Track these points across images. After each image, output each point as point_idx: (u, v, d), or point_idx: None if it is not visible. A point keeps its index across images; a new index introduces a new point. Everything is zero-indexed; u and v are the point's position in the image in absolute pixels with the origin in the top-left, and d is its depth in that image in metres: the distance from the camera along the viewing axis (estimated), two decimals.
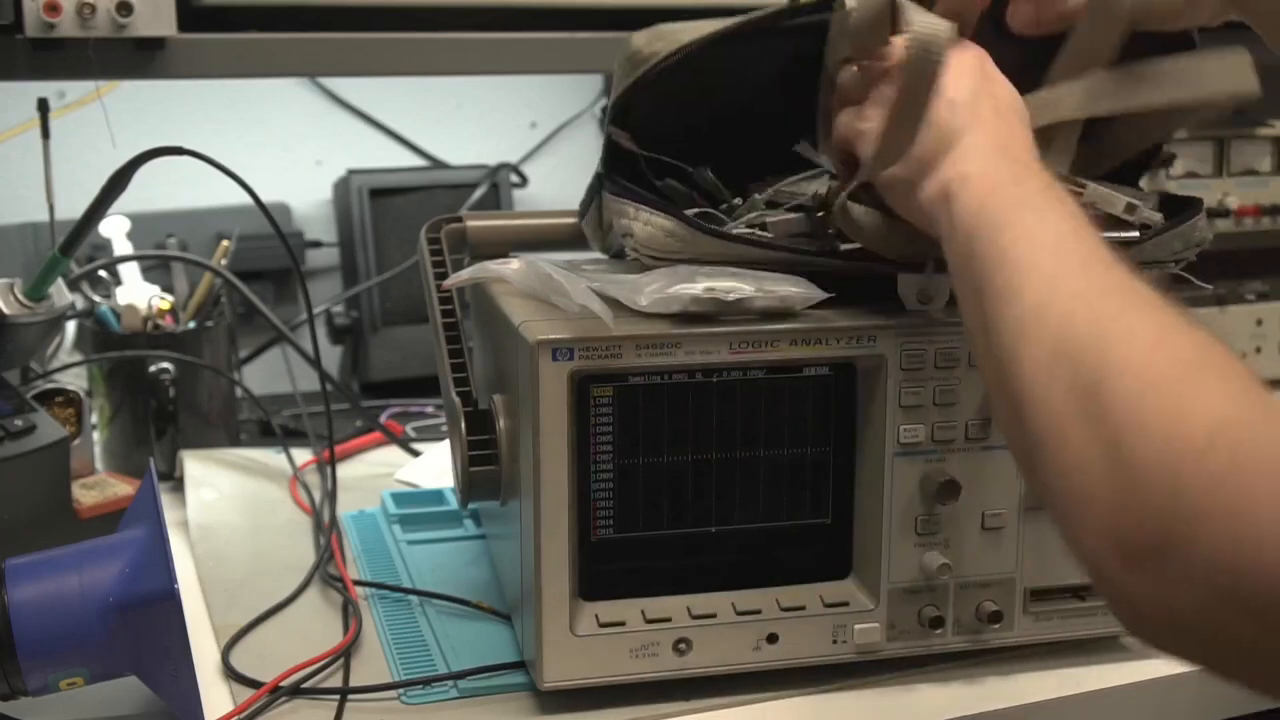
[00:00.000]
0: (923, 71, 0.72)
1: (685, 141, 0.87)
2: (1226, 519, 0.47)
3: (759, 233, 0.81)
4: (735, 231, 0.81)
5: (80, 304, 1.21)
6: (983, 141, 0.70)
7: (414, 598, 0.94)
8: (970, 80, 0.73)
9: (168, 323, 1.23)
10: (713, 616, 0.80)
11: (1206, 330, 0.55)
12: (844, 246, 0.80)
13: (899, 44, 0.74)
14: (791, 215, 0.81)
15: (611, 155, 0.87)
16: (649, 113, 0.85)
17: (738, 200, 0.86)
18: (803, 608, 0.82)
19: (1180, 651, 0.53)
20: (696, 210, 0.84)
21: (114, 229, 1.25)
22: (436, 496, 1.14)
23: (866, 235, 0.79)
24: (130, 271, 1.24)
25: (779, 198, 0.84)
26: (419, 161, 1.64)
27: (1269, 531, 0.46)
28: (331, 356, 1.54)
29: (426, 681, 0.83)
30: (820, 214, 0.81)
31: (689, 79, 0.81)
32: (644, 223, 0.82)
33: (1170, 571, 0.49)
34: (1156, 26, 0.81)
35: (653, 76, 0.81)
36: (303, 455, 1.21)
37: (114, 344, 1.19)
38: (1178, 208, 0.85)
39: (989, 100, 0.73)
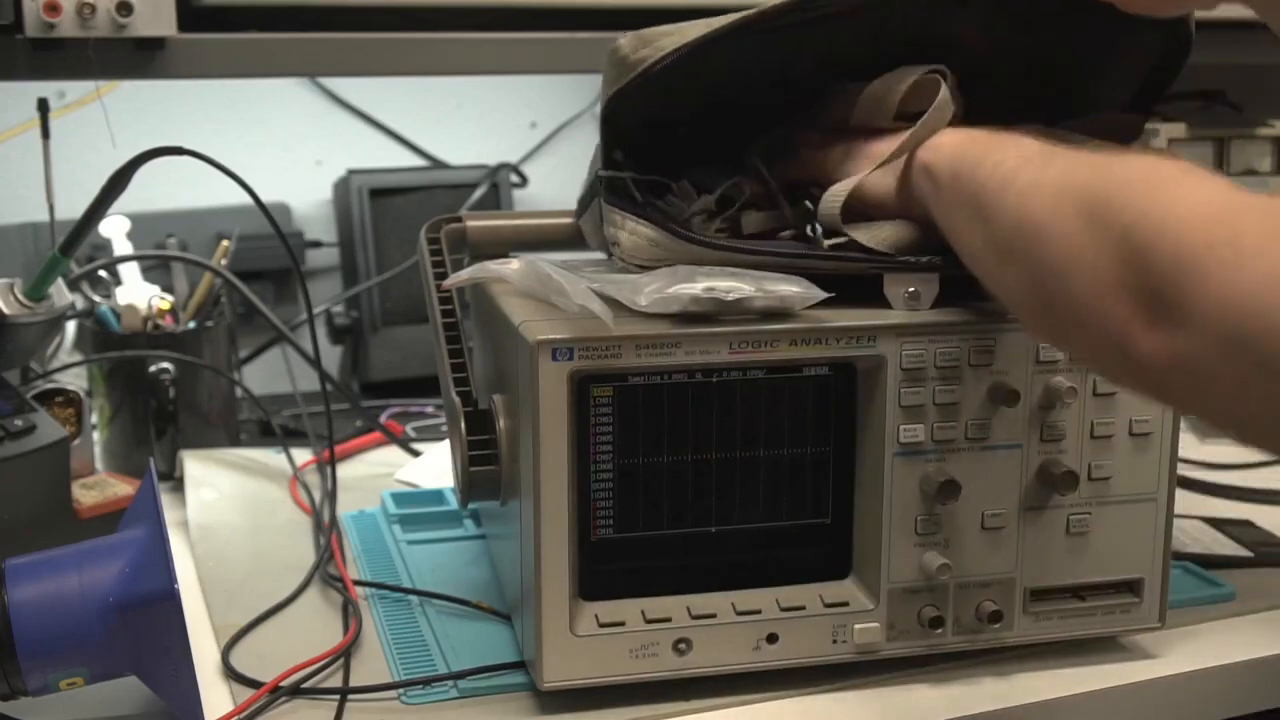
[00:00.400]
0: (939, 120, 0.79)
1: (672, 140, 0.87)
2: (1227, 270, 0.52)
3: (748, 243, 0.81)
4: (717, 240, 0.81)
5: (80, 304, 1.21)
6: (949, 132, 0.77)
7: (414, 598, 0.94)
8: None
9: (168, 323, 1.23)
10: (713, 616, 0.80)
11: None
12: (827, 243, 0.80)
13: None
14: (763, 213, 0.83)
15: (608, 153, 0.87)
16: (636, 115, 0.85)
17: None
18: (803, 608, 0.82)
19: (1198, 406, 0.57)
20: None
21: (114, 229, 1.25)
22: (436, 496, 1.14)
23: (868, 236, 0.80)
24: (130, 271, 1.24)
25: (732, 192, 0.85)
26: (419, 161, 1.64)
27: (1253, 280, 0.51)
28: (331, 356, 1.54)
29: (426, 681, 0.83)
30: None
31: (678, 82, 0.81)
32: (629, 231, 0.82)
33: (1177, 322, 0.54)
34: (1153, 11, 0.82)
35: (639, 82, 0.81)
36: (303, 455, 1.21)
37: (114, 344, 1.20)
38: None
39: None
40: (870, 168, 0.81)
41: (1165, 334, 0.55)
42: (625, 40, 0.81)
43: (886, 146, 0.80)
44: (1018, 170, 0.67)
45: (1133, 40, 0.87)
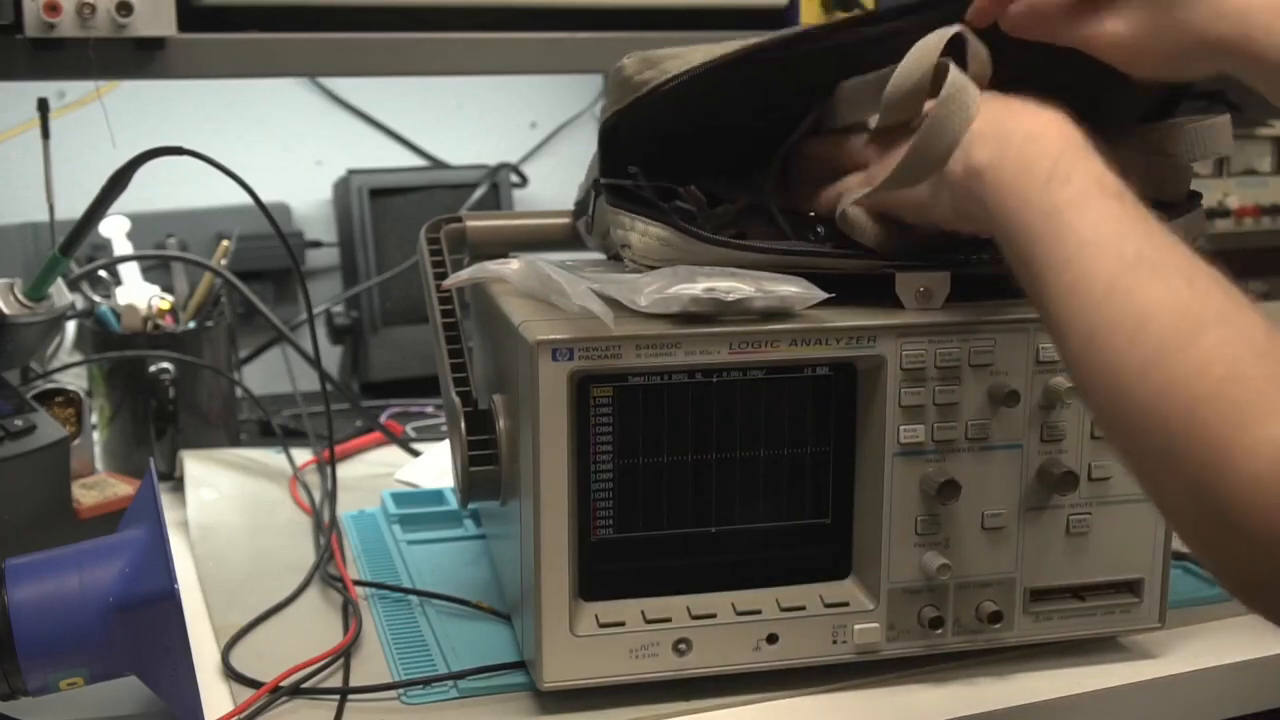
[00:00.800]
0: (954, 115, 0.71)
1: (672, 155, 0.87)
2: None
3: (760, 243, 0.81)
4: (729, 239, 0.81)
5: (80, 304, 1.21)
6: (993, 133, 0.70)
7: (414, 598, 0.94)
8: (994, 115, 0.72)
9: (168, 323, 1.23)
10: (713, 616, 0.80)
11: (1247, 310, 0.58)
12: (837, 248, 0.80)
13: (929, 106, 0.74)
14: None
15: (607, 166, 0.87)
16: (638, 132, 0.85)
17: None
18: (803, 608, 0.82)
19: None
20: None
21: (114, 229, 1.25)
22: (436, 496, 1.14)
23: (870, 237, 0.79)
24: (130, 271, 1.24)
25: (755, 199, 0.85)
26: (419, 161, 1.64)
27: None
28: (331, 356, 1.54)
29: (426, 681, 0.83)
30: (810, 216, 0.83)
31: (679, 104, 0.82)
32: (640, 233, 0.82)
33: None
34: (1147, 74, 0.80)
35: (644, 103, 0.81)
36: (303, 455, 1.21)
37: (114, 344, 1.19)
38: (1176, 204, 0.85)
39: (1013, 119, 0.71)
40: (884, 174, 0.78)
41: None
42: (630, 61, 0.81)
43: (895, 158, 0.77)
44: (1070, 297, 0.61)
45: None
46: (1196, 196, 0.85)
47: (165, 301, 1.22)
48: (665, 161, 0.85)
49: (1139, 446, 0.58)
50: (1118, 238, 0.61)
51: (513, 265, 0.81)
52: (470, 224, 1.00)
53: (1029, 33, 0.79)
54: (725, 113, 0.85)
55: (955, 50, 0.76)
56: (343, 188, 1.56)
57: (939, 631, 0.83)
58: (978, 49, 0.77)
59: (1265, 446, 0.52)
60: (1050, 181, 0.65)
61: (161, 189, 1.36)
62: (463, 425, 0.85)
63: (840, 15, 1.27)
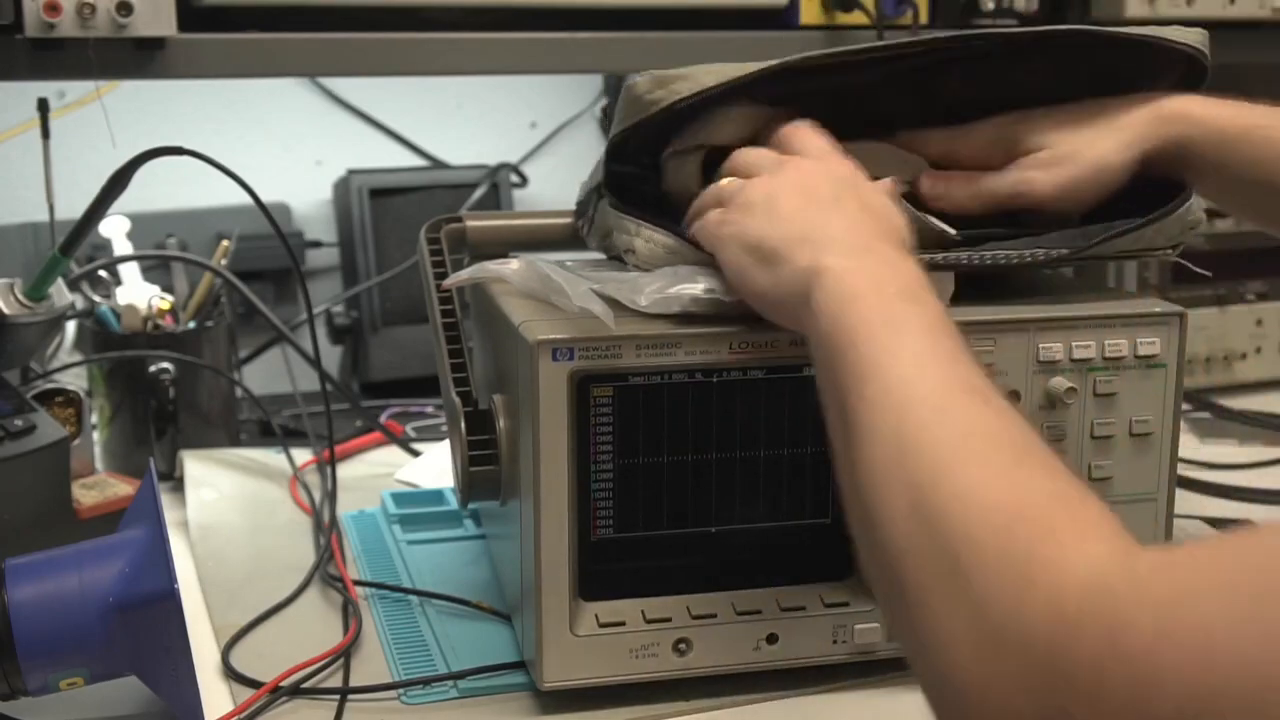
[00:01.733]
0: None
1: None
2: (1122, 698, 0.43)
3: None
4: None
5: (80, 304, 1.21)
6: (840, 238, 0.68)
7: (414, 598, 0.94)
8: (827, 180, 0.73)
9: (168, 323, 1.23)
10: (713, 616, 0.80)
11: (1064, 472, 0.53)
12: None
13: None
14: None
15: (611, 180, 0.87)
16: (645, 148, 0.86)
17: None
18: (803, 608, 0.82)
19: None
20: None
21: (114, 229, 1.25)
22: (436, 496, 1.14)
23: None
24: (130, 271, 1.24)
25: None
26: (419, 161, 1.64)
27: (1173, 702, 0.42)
28: (331, 356, 1.54)
29: (426, 681, 0.83)
30: None
31: (686, 122, 0.82)
32: (645, 239, 0.82)
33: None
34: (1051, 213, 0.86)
35: (652, 122, 0.82)
36: (303, 455, 1.21)
37: (114, 344, 1.19)
38: (1171, 197, 0.85)
39: (856, 199, 0.72)
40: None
41: None
42: (642, 80, 0.81)
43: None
44: (879, 405, 0.57)
45: (1148, 83, 0.87)
46: (1184, 186, 0.85)
47: (165, 301, 1.22)
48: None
49: (933, 569, 0.51)
50: (952, 361, 0.59)
51: (513, 265, 0.81)
52: (470, 224, 1.00)
53: (977, 209, 0.86)
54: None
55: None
56: (343, 188, 1.55)
57: None
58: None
59: (1079, 569, 0.47)
60: (898, 296, 0.63)
61: (161, 189, 1.36)
62: (463, 425, 0.85)
63: (839, 16, 1.27)
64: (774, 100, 0.83)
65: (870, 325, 0.61)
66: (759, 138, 0.83)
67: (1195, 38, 0.85)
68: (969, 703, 0.48)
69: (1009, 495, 0.51)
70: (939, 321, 0.62)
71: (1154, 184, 0.85)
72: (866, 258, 0.66)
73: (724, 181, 0.80)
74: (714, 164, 0.85)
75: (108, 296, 1.23)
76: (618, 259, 0.89)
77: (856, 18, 1.27)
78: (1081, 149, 0.83)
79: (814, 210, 0.71)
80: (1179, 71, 0.87)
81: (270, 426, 1.28)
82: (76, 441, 1.08)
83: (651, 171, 0.89)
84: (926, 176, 0.87)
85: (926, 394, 0.57)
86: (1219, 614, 0.42)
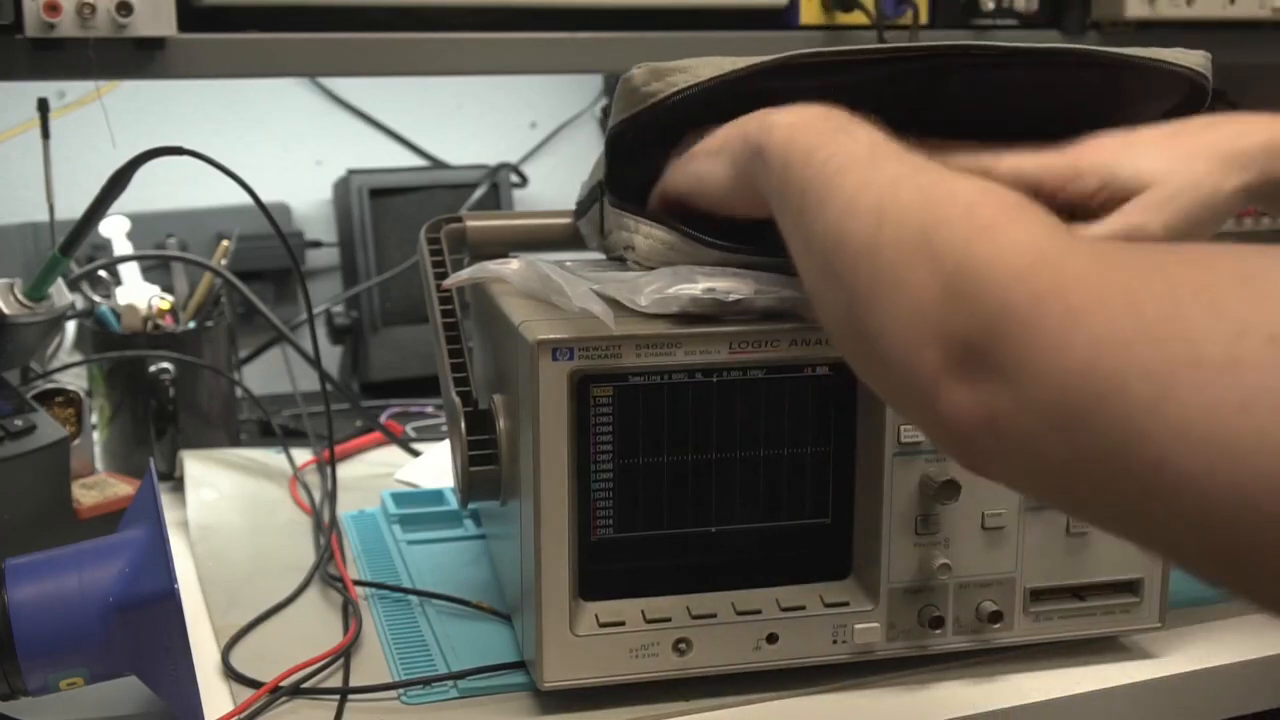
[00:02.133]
0: None
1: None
2: (1052, 331, 0.48)
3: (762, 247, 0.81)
4: (732, 244, 0.81)
5: (80, 304, 1.21)
6: (789, 109, 0.72)
7: (414, 598, 0.94)
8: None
9: (168, 323, 1.23)
10: (713, 616, 0.80)
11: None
12: None
13: None
14: None
15: (611, 169, 0.87)
16: (643, 140, 0.85)
17: None
18: (803, 608, 0.82)
19: (998, 469, 0.53)
20: None
21: (114, 229, 1.25)
22: (436, 496, 1.14)
23: None
24: (130, 271, 1.24)
25: None
26: (419, 161, 1.64)
27: (1090, 344, 0.47)
28: (331, 356, 1.54)
29: (426, 681, 0.83)
30: None
31: (684, 116, 0.82)
32: (644, 235, 0.82)
33: (995, 380, 0.50)
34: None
35: (648, 114, 0.82)
36: (303, 455, 1.21)
37: (114, 344, 1.20)
38: None
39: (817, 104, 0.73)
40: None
41: (981, 390, 0.51)
42: (638, 72, 0.81)
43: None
44: (843, 171, 0.62)
45: (1149, 101, 0.86)
46: None
47: (165, 301, 1.22)
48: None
49: (875, 286, 0.57)
50: (898, 157, 0.63)
51: (513, 265, 0.81)
52: (470, 224, 1.00)
53: None
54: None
55: None
56: (343, 188, 1.56)
57: (939, 631, 0.83)
58: None
59: (1010, 248, 0.52)
60: (847, 122, 0.67)
61: (161, 189, 1.36)
62: (463, 425, 0.85)
63: (839, 16, 1.27)
64: (770, 98, 0.83)
65: (820, 137, 0.66)
66: None
67: (1197, 61, 0.85)
68: (914, 329, 0.54)
69: (972, 189, 0.56)
70: (880, 136, 0.65)
71: None
72: (805, 111, 0.70)
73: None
74: None
75: (108, 296, 1.23)
76: (618, 259, 0.89)
77: (856, 18, 1.27)
78: (1191, 185, 0.77)
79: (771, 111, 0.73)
80: (1181, 93, 0.86)
81: (270, 426, 1.28)
82: (76, 441, 1.08)
83: (651, 167, 0.88)
84: None
85: (885, 154, 0.63)
86: (1140, 287, 0.47)
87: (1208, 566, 0.45)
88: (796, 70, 0.80)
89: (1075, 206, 0.78)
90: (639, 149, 0.86)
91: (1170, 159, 0.78)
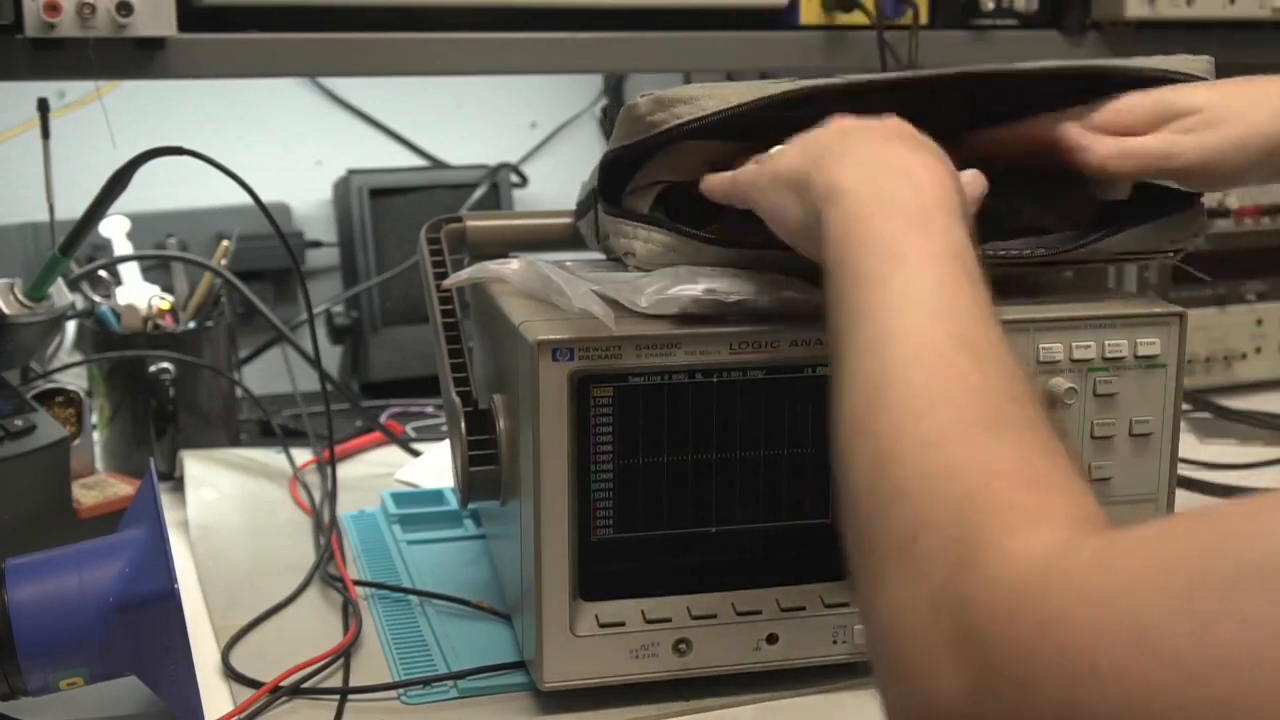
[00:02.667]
0: None
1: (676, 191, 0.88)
2: (1049, 673, 0.42)
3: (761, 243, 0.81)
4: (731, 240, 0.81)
5: (80, 304, 1.21)
6: (859, 157, 0.65)
7: (414, 598, 0.94)
8: (868, 123, 0.69)
9: (168, 323, 1.23)
10: (713, 616, 0.80)
11: (1043, 444, 0.51)
12: None
13: None
14: None
15: (607, 180, 0.87)
16: (640, 164, 0.86)
17: None
18: (803, 608, 0.82)
19: None
20: None
21: (114, 229, 1.25)
22: (436, 496, 1.14)
23: None
24: (130, 271, 1.24)
25: None
26: (419, 161, 1.64)
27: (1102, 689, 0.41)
28: (331, 356, 1.54)
29: (426, 681, 0.83)
30: None
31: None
32: (644, 240, 0.82)
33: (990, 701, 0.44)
34: (1196, 186, 0.84)
35: (652, 142, 0.82)
36: (303, 455, 1.21)
37: (114, 344, 1.19)
38: (1175, 200, 0.85)
39: (880, 127, 0.68)
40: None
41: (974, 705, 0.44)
42: (643, 100, 0.81)
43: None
44: (871, 351, 0.56)
45: None
46: (1194, 196, 0.86)
47: (165, 301, 1.22)
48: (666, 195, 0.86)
49: (887, 529, 0.50)
50: (952, 311, 0.57)
51: (513, 265, 0.81)
52: (470, 224, 1.00)
53: (1120, 170, 0.81)
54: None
55: None
56: (343, 188, 1.55)
57: None
58: None
59: (1023, 556, 0.46)
60: (909, 226, 0.60)
61: (161, 189, 1.36)
62: (463, 425, 0.85)
63: (839, 16, 1.27)
64: (776, 126, 0.83)
65: (872, 258, 0.59)
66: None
67: (1201, 67, 0.85)
68: (905, 677, 0.47)
69: (970, 465, 0.50)
70: (948, 253, 0.59)
71: (1162, 188, 0.85)
72: (884, 175, 0.63)
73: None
74: (672, 198, 0.85)
75: (108, 296, 1.23)
76: (617, 260, 0.89)
77: (856, 18, 1.27)
78: (1235, 115, 0.79)
79: (846, 135, 0.68)
80: None
81: (270, 426, 1.28)
82: (76, 441, 1.08)
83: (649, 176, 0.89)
84: (1073, 125, 0.82)
85: (913, 345, 0.55)
86: (1152, 607, 0.41)
87: None
88: (802, 101, 0.80)
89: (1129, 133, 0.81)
90: (637, 165, 0.86)
91: (1222, 94, 0.80)
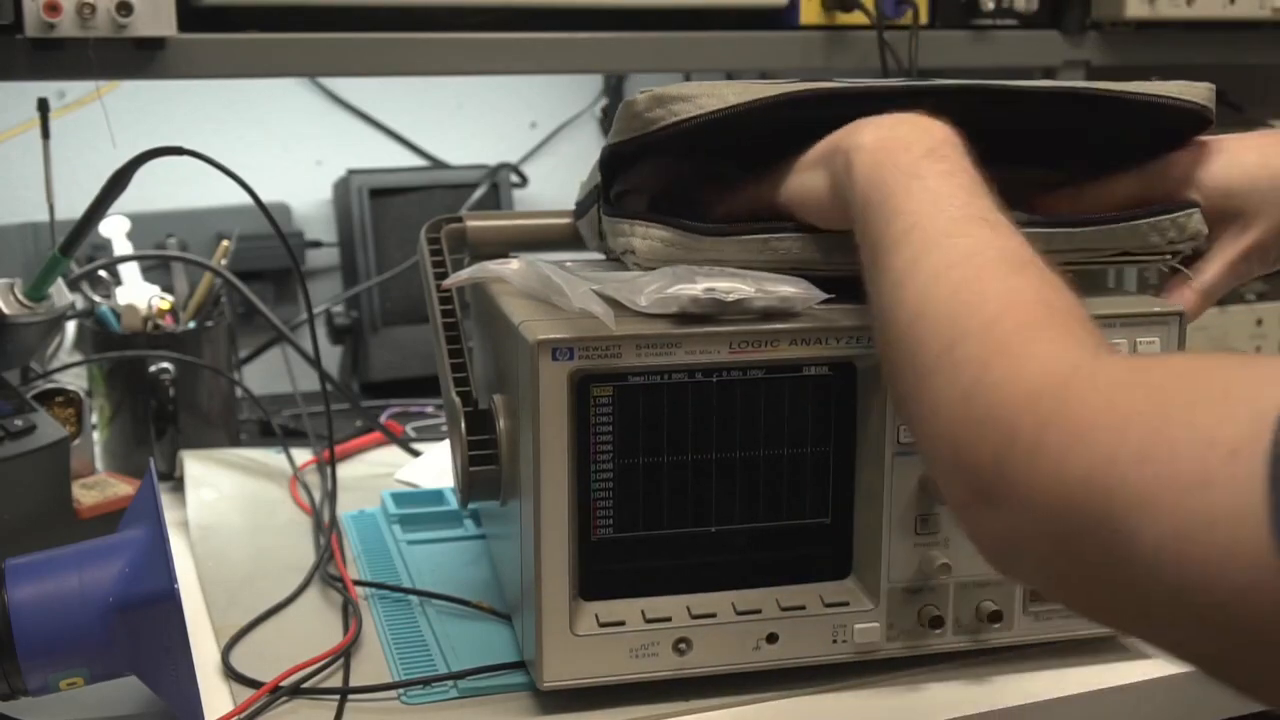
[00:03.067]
0: None
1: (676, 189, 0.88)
2: (1053, 456, 0.52)
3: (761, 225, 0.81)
4: (729, 226, 0.81)
5: (80, 304, 1.21)
6: (880, 120, 0.74)
7: (414, 598, 0.94)
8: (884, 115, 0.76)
9: (168, 323, 1.23)
10: (713, 616, 0.80)
11: (1059, 285, 0.61)
12: None
13: None
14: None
15: (607, 179, 0.87)
16: (639, 160, 0.86)
17: None
18: (803, 608, 0.82)
19: (1025, 578, 0.63)
20: None
21: (114, 229, 1.25)
22: (436, 496, 1.14)
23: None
24: (130, 271, 1.24)
25: None
26: (419, 161, 1.64)
27: (1086, 466, 0.51)
28: (331, 356, 1.54)
29: (426, 681, 0.83)
30: None
31: (683, 142, 0.82)
32: (643, 237, 0.82)
33: (1008, 503, 0.54)
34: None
35: (649, 139, 0.81)
36: (303, 455, 1.21)
37: (114, 344, 1.19)
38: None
39: (901, 114, 0.75)
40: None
41: (997, 518, 0.55)
42: (642, 97, 0.81)
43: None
44: (904, 239, 0.66)
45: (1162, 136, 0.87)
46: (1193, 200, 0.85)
47: (165, 301, 1.22)
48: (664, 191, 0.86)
49: (926, 345, 0.61)
50: (968, 203, 0.66)
51: (513, 265, 0.81)
52: (470, 224, 1.00)
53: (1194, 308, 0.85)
54: (738, 138, 0.85)
55: None
56: (343, 188, 1.56)
57: (939, 631, 0.83)
58: None
59: (1042, 357, 0.56)
60: (924, 156, 0.69)
61: (161, 189, 1.36)
62: (463, 425, 0.85)
63: (839, 16, 1.27)
64: (777, 127, 0.83)
65: (896, 180, 0.69)
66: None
67: (1202, 95, 0.85)
68: (943, 456, 0.58)
69: (999, 294, 0.61)
70: (959, 170, 0.69)
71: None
72: (900, 125, 0.73)
73: None
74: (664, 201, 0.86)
75: (108, 296, 1.23)
76: (618, 260, 0.89)
77: (856, 18, 1.27)
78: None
79: (862, 120, 0.76)
80: (1189, 123, 0.87)
81: (270, 426, 1.28)
82: (76, 441, 1.08)
83: (648, 177, 0.88)
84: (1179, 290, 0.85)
85: (942, 225, 0.65)
86: (1143, 411, 0.50)
87: (1212, 668, 0.50)
88: (800, 103, 0.80)
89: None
90: (635, 162, 0.86)
91: (1255, 185, 0.83)
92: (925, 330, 0.61)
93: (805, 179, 0.79)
